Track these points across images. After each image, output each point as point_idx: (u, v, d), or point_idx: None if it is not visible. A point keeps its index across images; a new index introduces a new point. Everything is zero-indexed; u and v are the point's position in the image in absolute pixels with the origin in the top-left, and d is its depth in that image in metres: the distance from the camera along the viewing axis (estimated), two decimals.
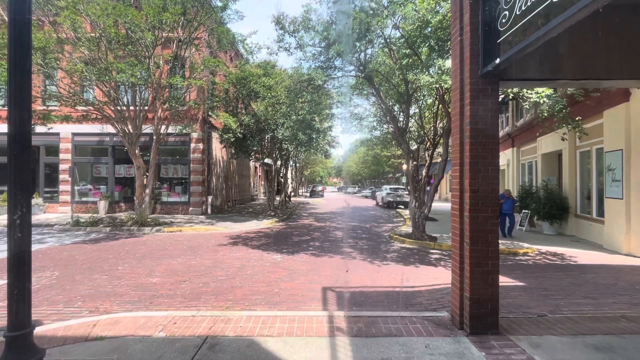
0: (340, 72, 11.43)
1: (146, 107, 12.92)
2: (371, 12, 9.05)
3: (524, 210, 12.79)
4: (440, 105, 10.54)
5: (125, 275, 6.25)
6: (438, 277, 6.40)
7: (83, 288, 5.51)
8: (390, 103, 13.35)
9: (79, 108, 12.63)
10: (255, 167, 30.92)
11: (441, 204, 25.42)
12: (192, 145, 16.66)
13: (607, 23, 3.56)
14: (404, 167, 21.29)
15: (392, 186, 28.95)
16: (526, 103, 8.00)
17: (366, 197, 45.63)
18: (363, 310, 4.50)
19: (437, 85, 7.53)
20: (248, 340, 3.48)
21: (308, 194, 48.93)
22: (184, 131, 14.73)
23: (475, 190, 3.67)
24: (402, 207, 23.66)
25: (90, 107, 12.42)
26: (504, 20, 3.24)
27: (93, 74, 10.80)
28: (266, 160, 19.60)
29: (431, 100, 13.41)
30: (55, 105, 14.51)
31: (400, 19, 9.02)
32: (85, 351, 3.26)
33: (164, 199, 16.91)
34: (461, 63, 3.83)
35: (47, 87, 13.02)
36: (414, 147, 15.32)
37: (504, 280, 5.52)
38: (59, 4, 10.53)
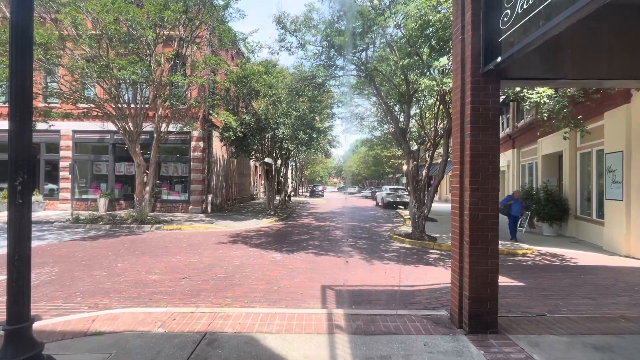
0: (342, 71, 11.44)
1: (147, 105, 12.93)
2: (373, 11, 9.05)
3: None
4: (441, 106, 10.53)
5: (125, 272, 6.25)
6: (437, 276, 6.40)
7: (82, 284, 5.51)
8: (391, 103, 13.35)
9: (80, 105, 12.64)
10: (256, 166, 30.93)
11: (441, 205, 25.41)
12: (193, 143, 16.67)
13: (608, 23, 3.56)
14: (404, 167, 21.29)
15: (392, 186, 28.94)
16: (527, 103, 7.99)
17: (366, 197, 45.63)
18: (362, 309, 4.50)
19: (438, 89, 7.52)
20: (247, 337, 3.48)
21: (308, 194, 48.94)
22: (185, 129, 14.74)
23: (476, 189, 3.67)
24: (402, 207, 23.66)
25: (91, 105, 12.42)
26: (505, 19, 3.24)
27: (94, 71, 10.81)
28: (266, 160, 19.60)
29: (432, 100, 13.41)
30: (57, 103, 14.54)
31: (402, 18, 9.01)
32: (84, 346, 3.26)
33: (164, 197, 16.92)
34: (462, 61, 3.83)
35: (48, 84, 13.01)
36: (414, 147, 15.32)
37: (503, 280, 5.51)
38: (60, 1, 10.53)
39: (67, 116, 12.25)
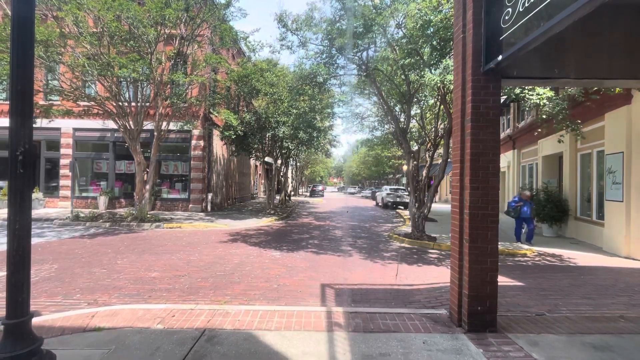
0: (343, 70, 11.45)
1: (148, 104, 12.93)
2: (374, 10, 9.05)
3: None
4: (442, 106, 10.54)
5: (124, 270, 6.26)
6: (437, 276, 6.40)
7: (82, 281, 5.51)
8: (392, 103, 13.36)
9: (81, 103, 12.65)
10: (256, 166, 30.94)
11: (441, 205, 25.41)
12: (193, 142, 16.68)
13: (609, 22, 3.56)
14: (404, 167, 21.30)
15: (392, 187, 28.95)
16: (527, 104, 7.99)
17: (366, 197, 45.63)
18: (361, 307, 4.50)
19: (440, 84, 7.52)
20: (246, 334, 3.48)
21: (308, 194, 48.93)
22: (185, 128, 14.74)
23: (476, 187, 3.67)
24: (402, 207, 23.66)
25: (92, 102, 12.43)
26: (506, 17, 3.24)
27: (95, 68, 10.81)
28: (266, 159, 19.61)
29: (432, 101, 13.42)
30: (57, 100, 14.55)
31: (403, 17, 9.02)
32: (83, 341, 3.26)
33: (164, 195, 16.92)
34: (463, 60, 3.83)
35: (49, 81, 13.02)
36: (414, 147, 15.32)
37: (502, 280, 5.50)
38: None
39: (67, 113, 12.24)
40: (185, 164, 17.00)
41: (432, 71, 7.76)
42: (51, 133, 16.31)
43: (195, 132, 16.45)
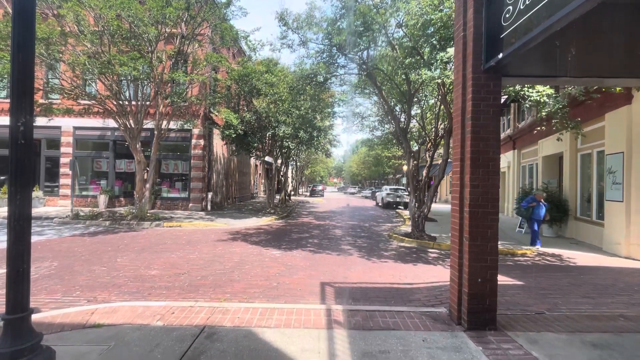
0: (343, 70, 11.45)
1: (148, 102, 12.93)
2: (375, 9, 9.05)
3: None
4: (442, 106, 10.54)
5: (124, 267, 6.25)
6: (436, 275, 6.40)
7: (81, 278, 5.51)
8: (392, 103, 13.36)
9: (81, 101, 12.65)
10: (256, 165, 30.94)
11: (441, 205, 25.41)
12: (193, 141, 16.67)
13: (610, 21, 3.56)
14: (405, 168, 21.29)
15: (392, 187, 28.94)
16: (527, 102, 7.99)
17: (366, 197, 45.62)
18: (361, 305, 4.50)
19: (439, 81, 7.51)
20: (245, 331, 3.48)
21: (308, 194, 48.94)
22: (185, 127, 14.74)
23: (476, 185, 3.67)
24: (402, 207, 23.66)
25: (93, 101, 12.44)
26: (507, 15, 3.24)
27: (95, 67, 10.82)
28: (267, 159, 19.61)
29: (433, 101, 13.42)
30: (58, 99, 14.55)
31: (403, 15, 9.01)
32: (83, 338, 3.26)
33: (164, 194, 16.92)
34: (464, 58, 3.83)
35: (50, 80, 13.03)
36: (415, 148, 15.34)
37: (502, 279, 5.50)
38: None
39: (68, 112, 12.25)
40: (185, 163, 17.00)
41: (432, 70, 7.76)
42: (51, 132, 16.30)
43: (196, 131, 16.45)
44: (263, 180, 31.42)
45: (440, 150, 13.40)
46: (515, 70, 3.77)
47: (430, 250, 9.14)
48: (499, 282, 3.76)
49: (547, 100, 7.64)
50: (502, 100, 13.03)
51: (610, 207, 9.15)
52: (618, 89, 7.91)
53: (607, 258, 8.42)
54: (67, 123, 16.15)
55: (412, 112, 12.98)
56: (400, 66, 10.03)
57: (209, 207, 17.02)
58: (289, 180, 34.98)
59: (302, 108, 15.84)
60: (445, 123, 10.69)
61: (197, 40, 13.02)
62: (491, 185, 3.67)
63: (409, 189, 12.47)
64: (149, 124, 13.79)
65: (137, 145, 12.58)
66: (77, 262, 6.52)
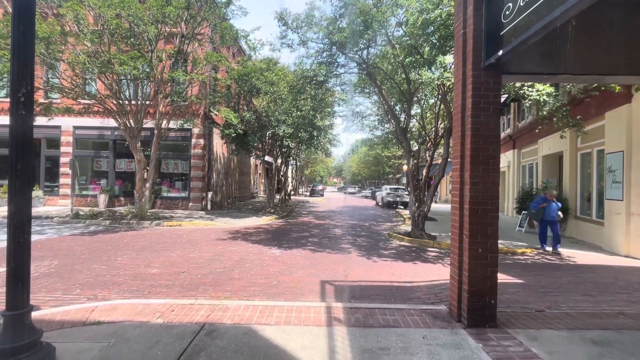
0: (343, 69, 11.44)
1: (148, 102, 12.93)
2: (375, 8, 9.05)
3: (523, 212, 12.78)
4: (442, 106, 10.54)
5: (124, 266, 6.25)
6: (436, 273, 6.40)
7: (81, 277, 5.51)
8: (392, 102, 13.36)
9: (81, 101, 12.65)
10: (256, 165, 30.94)
11: (441, 205, 25.41)
12: (193, 140, 16.67)
13: (610, 18, 3.56)
14: (405, 167, 21.29)
15: (392, 186, 28.93)
16: (526, 101, 7.99)
17: (366, 197, 45.59)
18: (361, 303, 4.50)
19: (439, 82, 7.52)
20: (245, 328, 3.48)
21: (308, 193, 48.92)
22: (185, 126, 14.73)
23: (476, 182, 3.66)
24: (402, 207, 23.65)
25: (93, 100, 12.43)
26: (507, 12, 3.24)
27: (95, 66, 10.81)
28: (267, 158, 19.61)
29: (433, 100, 13.42)
30: (58, 98, 14.55)
31: (403, 16, 9.02)
32: (83, 335, 3.26)
33: (164, 194, 16.92)
34: (464, 55, 3.83)
35: (50, 79, 13.03)
36: (415, 147, 15.33)
37: (502, 278, 5.50)
38: None
39: (67, 111, 12.25)
40: (185, 163, 17.00)
41: (432, 70, 7.76)
42: (51, 131, 16.30)
43: (196, 130, 16.45)
44: (263, 180, 31.41)
45: (440, 150, 13.40)
46: (515, 67, 3.77)
47: (430, 249, 9.14)
48: (499, 280, 3.76)
49: (547, 99, 7.64)
50: (502, 100, 13.03)
51: (610, 206, 9.15)
52: (617, 87, 7.91)
53: (607, 257, 8.43)
54: (67, 122, 16.15)
55: (412, 112, 12.97)
56: (400, 65, 10.04)
57: (208, 207, 17.02)
58: (289, 180, 34.98)
59: (304, 109, 15.83)
60: (445, 123, 10.69)
61: (197, 40, 13.02)
62: (491, 183, 3.67)
63: (408, 188, 12.47)
64: (148, 123, 13.79)
65: (137, 145, 12.58)
66: (77, 261, 6.52)
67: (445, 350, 3.11)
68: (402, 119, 12.25)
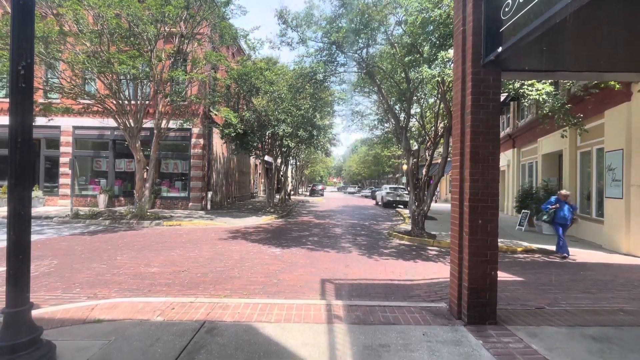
0: (343, 68, 11.43)
1: (147, 101, 12.92)
2: (374, 6, 9.05)
3: (523, 210, 12.79)
4: (442, 105, 10.53)
5: (124, 265, 6.25)
6: (436, 271, 6.40)
7: (81, 276, 5.51)
8: (392, 101, 13.35)
9: (81, 101, 12.64)
10: (256, 165, 30.93)
11: (441, 205, 25.42)
12: (193, 140, 16.67)
13: (610, 14, 3.56)
14: (404, 166, 21.28)
15: (391, 186, 28.93)
16: (526, 100, 8.00)
17: (366, 196, 45.58)
18: (361, 300, 4.50)
19: (439, 79, 7.51)
20: (245, 326, 3.48)
21: (308, 193, 48.93)
22: (185, 126, 14.71)
23: (476, 179, 3.67)
24: (402, 206, 23.64)
25: (92, 100, 12.42)
26: (506, 9, 3.24)
27: (95, 66, 10.81)
28: (266, 158, 19.61)
29: (433, 100, 13.42)
30: (57, 98, 14.53)
31: (403, 15, 9.02)
32: (83, 332, 3.26)
33: (164, 194, 16.91)
34: (463, 53, 3.83)
35: (49, 79, 13.02)
36: (414, 147, 15.33)
37: (502, 275, 5.51)
38: None
39: (67, 111, 12.23)
40: (185, 163, 16.99)
41: (431, 67, 7.76)
42: (51, 131, 16.29)
43: (195, 130, 16.45)
44: (263, 180, 31.40)
45: (440, 149, 13.40)
46: (514, 64, 3.77)
47: (430, 247, 9.14)
48: (499, 278, 3.76)
49: (547, 98, 7.65)
50: (502, 99, 13.02)
51: (609, 204, 9.16)
52: (617, 85, 7.92)
53: (607, 255, 8.43)
54: (66, 122, 16.14)
55: (412, 111, 12.97)
56: (399, 64, 10.03)
57: (208, 206, 17.02)
58: (289, 179, 34.97)
59: (303, 108, 15.82)
60: (445, 122, 10.68)
61: (196, 39, 13.01)
62: (491, 180, 3.67)
63: (408, 187, 12.47)
64: (148, 123, 13.77)
65: (137, 145, 12.57)
66: (77, 260, 6.52)
67: (446, 347, 3.11)
68: (402, 118, 12.24)
